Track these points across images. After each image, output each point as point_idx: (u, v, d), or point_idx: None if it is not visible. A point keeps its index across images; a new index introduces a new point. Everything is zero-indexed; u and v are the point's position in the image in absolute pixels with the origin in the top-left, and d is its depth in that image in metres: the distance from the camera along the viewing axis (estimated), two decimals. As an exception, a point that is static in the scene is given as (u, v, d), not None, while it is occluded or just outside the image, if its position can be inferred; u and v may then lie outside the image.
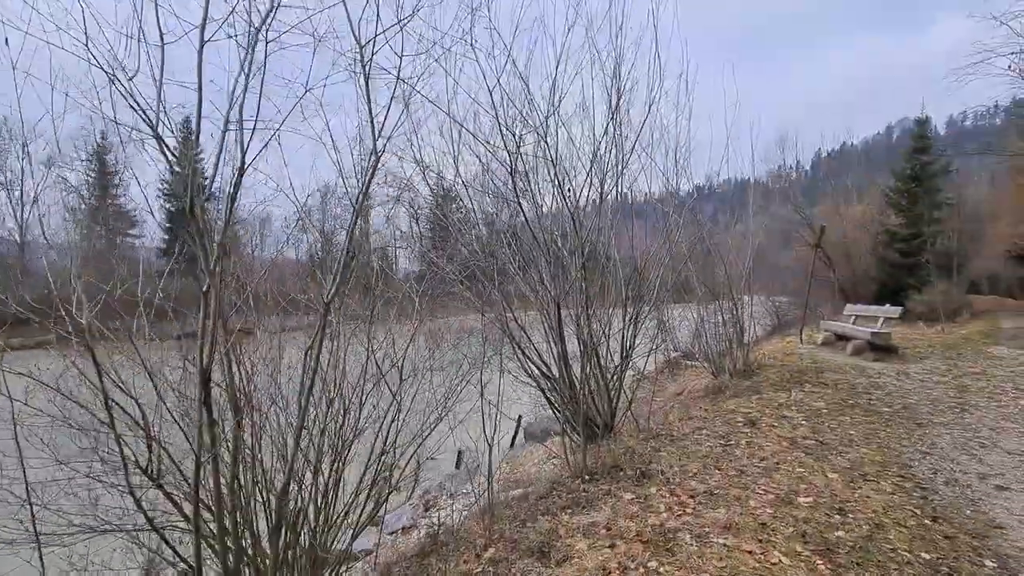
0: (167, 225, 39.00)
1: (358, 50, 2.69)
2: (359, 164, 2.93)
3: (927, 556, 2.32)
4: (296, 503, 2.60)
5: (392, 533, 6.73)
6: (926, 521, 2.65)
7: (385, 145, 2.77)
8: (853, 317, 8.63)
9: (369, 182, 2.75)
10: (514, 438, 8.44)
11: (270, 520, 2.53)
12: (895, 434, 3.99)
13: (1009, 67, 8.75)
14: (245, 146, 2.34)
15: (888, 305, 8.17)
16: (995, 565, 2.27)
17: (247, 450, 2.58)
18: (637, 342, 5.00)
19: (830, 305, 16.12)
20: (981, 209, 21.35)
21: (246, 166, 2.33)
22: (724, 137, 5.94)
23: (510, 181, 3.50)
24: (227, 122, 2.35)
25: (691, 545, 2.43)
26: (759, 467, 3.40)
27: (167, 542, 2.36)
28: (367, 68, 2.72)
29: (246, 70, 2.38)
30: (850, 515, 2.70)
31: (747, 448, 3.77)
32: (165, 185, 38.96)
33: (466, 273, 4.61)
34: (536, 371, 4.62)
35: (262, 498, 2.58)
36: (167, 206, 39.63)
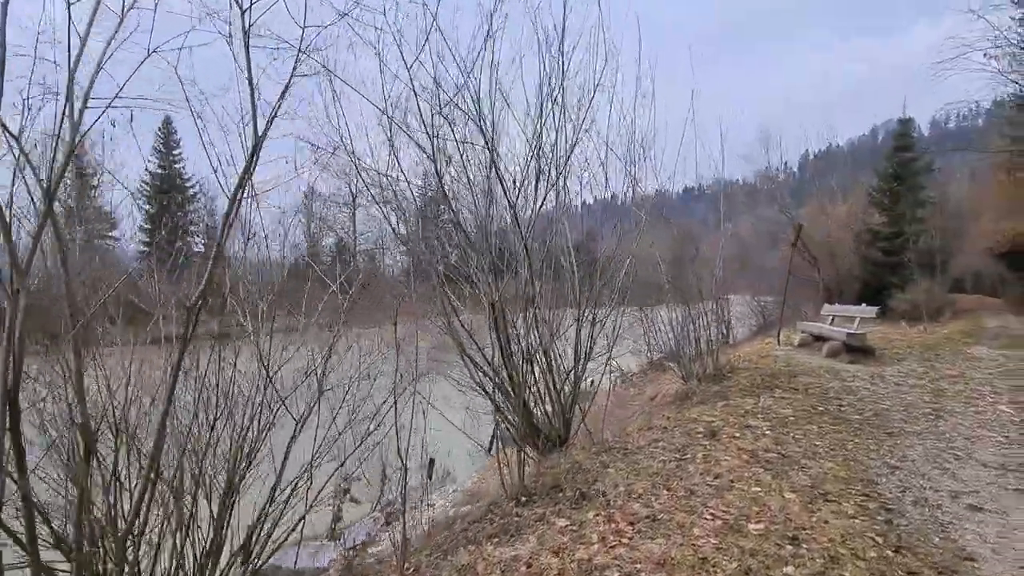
0: (147, 227, 38.13)
1: (239, 15, 2.33)
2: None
3: (885, 599, 1.99)
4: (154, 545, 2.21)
5: (351, 548, 6.32)
6: (888, 552, 2.32)
7: (269, 126, 2.40)
8: (831, 317, 8.37)
9: (250, 168, 2.38)
10: (491, 445, 8.09)
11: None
12: (863, 445, 3.68)
13: (985, 54, 8.58)
14: (77, 119, 1.97)
15: (865, 305, 7.92)
16: (962, 609, 1.94)
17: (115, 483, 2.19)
18: (602, 346, 4.67)
19: (813, 304, 15.95)
20: (963, 207, 21.38)
21: (77, 143, 1.95)
22: (692, 136, 5.64)
23: (435, 167, 3.13)
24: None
25: (613, 589, 2.08)
26: (712, 486, 3.06)
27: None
28: (247, 36, 2.36)
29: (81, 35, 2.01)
30: (804, 545, 2.36)
31: (702, 463, 3.43)
32: (144, 185, 38.27)
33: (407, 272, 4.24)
34: (480, 377, 4.26)
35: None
36: (145, 207, 38.76)
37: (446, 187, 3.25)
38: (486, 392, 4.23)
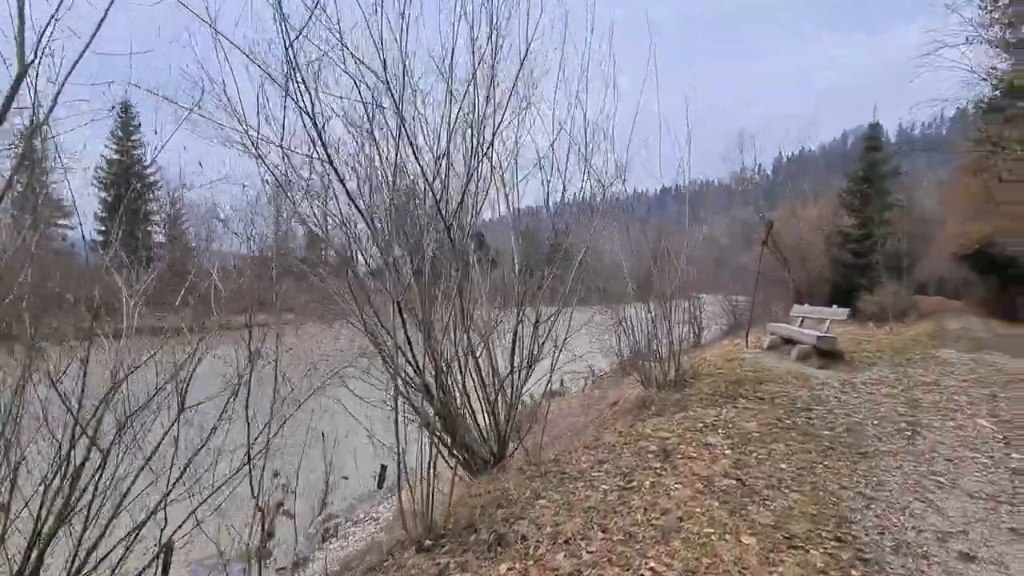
0: (103, 215, 35.96)
1: None
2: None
3: None
4: None
5: (280, 570, 5.61)
6: (867, 628, 1.79)
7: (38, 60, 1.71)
8: (800, 319, 8.01)
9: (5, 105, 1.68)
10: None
11: None
12: (835, 469, 3.18)
13: (966, 39, 8.36)
14: None
15: (836, 307, 7.57)
16: None
17: None
18: (555, 349, 4.07)
19: (784, 304, 15.84)
20: (929, 212, 21.78)
21: None
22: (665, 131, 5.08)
23: (315, 128, 2.45)
24: None
25: None
26: (656, 526, 2.49)
27: None
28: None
29: None
30: (761, 618, 1.81)
31: (649, 494, 2.87)
32: (100, 171, 36.07)
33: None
34: (404, 387, 3.60)
35: None
36: (102, 194, 36.57)
37: (337, 157, 2.58)
38: (414, 406, 3.58)
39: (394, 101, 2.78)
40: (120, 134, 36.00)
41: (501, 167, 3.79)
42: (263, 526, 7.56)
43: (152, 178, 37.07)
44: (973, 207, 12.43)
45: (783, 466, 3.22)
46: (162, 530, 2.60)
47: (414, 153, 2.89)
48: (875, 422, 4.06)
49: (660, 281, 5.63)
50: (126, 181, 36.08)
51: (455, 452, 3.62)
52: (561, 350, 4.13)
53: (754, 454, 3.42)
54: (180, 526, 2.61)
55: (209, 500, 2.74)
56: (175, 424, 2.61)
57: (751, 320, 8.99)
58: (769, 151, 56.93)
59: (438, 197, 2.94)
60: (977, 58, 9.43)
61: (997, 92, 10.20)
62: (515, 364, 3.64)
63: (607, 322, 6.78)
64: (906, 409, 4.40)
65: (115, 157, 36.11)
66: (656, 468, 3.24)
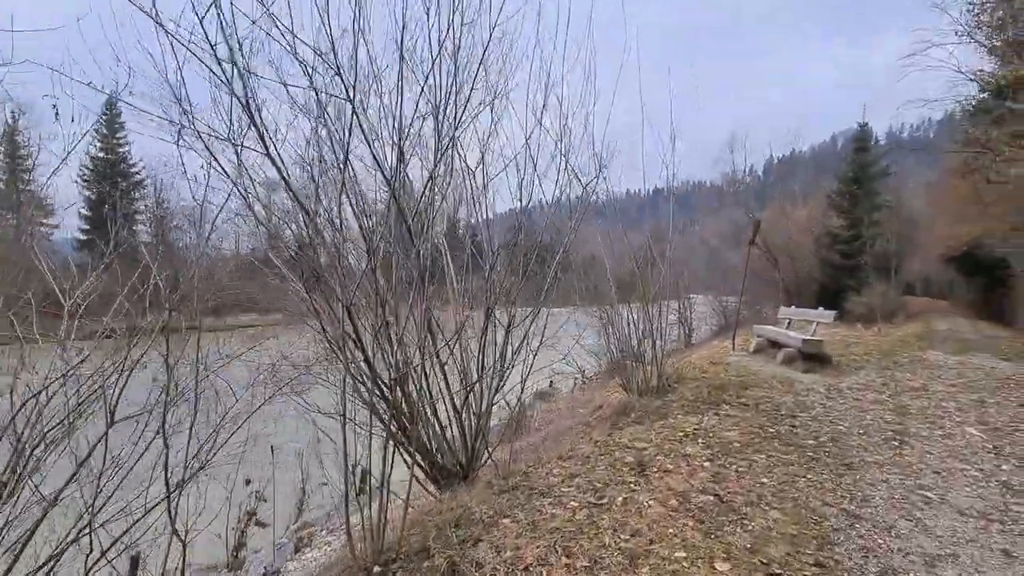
0: (87, 213, 35.15)
1: None
2: None
3: None
4: None
5: None
6: (848, 675, 1.60)
7: None
8: (787, 321, 7.88)
9: None
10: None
11: None
12: (817, 482, 3.00)
13: (956, 32, 8.28)
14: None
15: (823, 309, 7.45)
16: None
17: None
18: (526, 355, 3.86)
19: (774, 305, 15.79)
20: (916, 214, 21.91)
21: None
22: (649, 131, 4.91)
23: (246, 108, 2.21)
24: None
25: None
26: (624, 550, 2.29)
27: None
28: None
29: None
30: (731, 663, 1.61)
31: (620, 512, 2.68)
32: (85, 169, 35.23)
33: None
34: (368, 396, 3.37)
35: None
36: (87, 192, 35.75)
37: (274, 144, 2.35)
38: (381, 419, 3.34)
39: (344, 87, 2.55)
40: (105, 131, 35.27)
41: (470, 165, 3.58)
42: (238, 535, 7.20)
43: (138, 176, 36.37)
44: (961, 209, 12.41)
45: (764, 480, 3.03)
46: (87, 556, 2.35)
47: (366, 139, 2.66)
48: (861, 431, 3.89)
49: (643, 283, 5.45)
50: (111, 179, 35.33)
51: (420, 464, 3.41)
52: (536, 355, 3.93)
53: (734, 466, 3.24)
54: (103, 554, 2.36)
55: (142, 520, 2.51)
56: (102, 440, 2.37)
57: (737, 322, 8.84)
58: (760, 151, 57.25)
59: (393, 186, 2.71)
60: (964, 58, 9.38)
61: (984, 94, 10.18)
62: (483, 370, 3.42)
63: (595, 323, 6.60)
64: (893, 416, 4.25)
65: (100, 155, 35.36)
66: (630, 483, 3.04)
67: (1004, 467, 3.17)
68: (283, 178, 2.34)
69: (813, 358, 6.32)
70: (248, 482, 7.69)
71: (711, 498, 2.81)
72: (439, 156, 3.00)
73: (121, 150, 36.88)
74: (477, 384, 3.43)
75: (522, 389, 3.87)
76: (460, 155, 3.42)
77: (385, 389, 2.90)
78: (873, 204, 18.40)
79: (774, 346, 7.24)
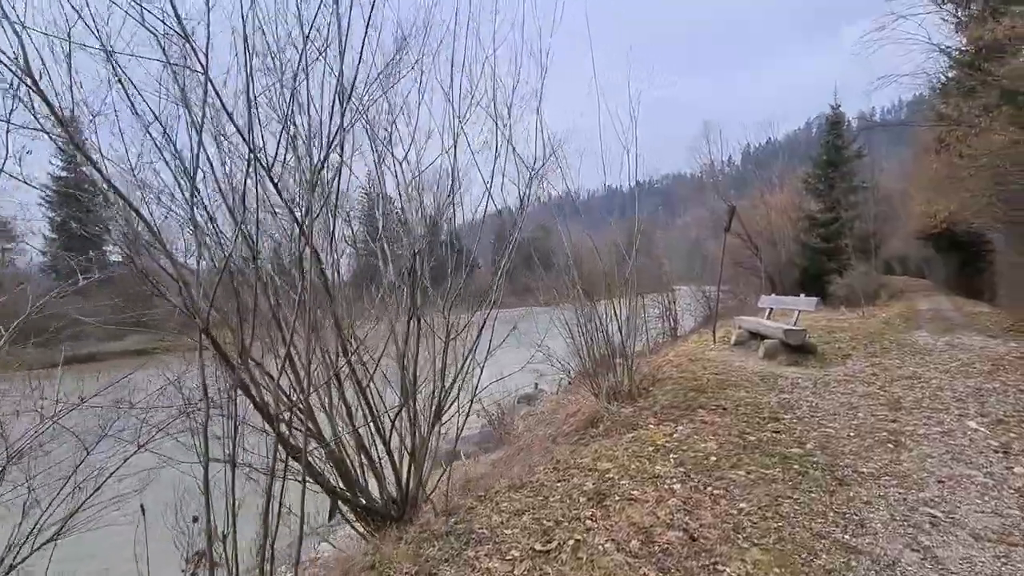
0: (52, 236, 33.79)
1: None
2: None
3: None
4: None
5: None
6: None
7: None
8: (768, 310, 7.49)
9: None
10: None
11: None
12: (805, 504, 2.54)
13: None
14: None
15: (804, 295, 7.06)
16: None
17: None
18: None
19: (757, 293, 15.50)
20: (893, 193, 21.95)
21: None
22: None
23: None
24: None
25: None
26: (566, 622, 1.79)
27: None
28: None
29: None
30: None
31: (571, 560, 2.18)
32: (47, 191, 33.85)
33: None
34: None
35: None
36: (50, 214, 34.36)
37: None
38: (289, 450, 2.80)
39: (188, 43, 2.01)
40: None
41: (396, 156, 3.05)
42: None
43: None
44: (936, 186, 12.24)
45: (743, 504, 2.56)
46: None
47: (222, 104, 2.11)
48: (852, 433, 3.45)
49: (609, 279, 4.98)
50: (75, 199, 33.96)
51: (338, 508, 2.88)
52: (483, 368, 3.40)
53: (709, 488, 2.76)
54: None
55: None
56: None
57: (716, 314, 8.44)
58: (737, 139, 57.60)
59: (268, 166, 2.17)
60: (933, 34, 9.12)
61: (953, 70, 9.97)
62: (408, 395, 2.88)
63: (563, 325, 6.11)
64: (886, 412, 3.83)
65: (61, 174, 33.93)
66: (586, 519, 2.55)
67: (1016, 470, 2.75)
68: (90, 161, 1.78)
69: (797, 349, 5.91)
70: (195, 519, 7.07)
71: (680, 535, 2.32)
72: (331, 140, 2.46)
73: (84, 169, 35.68)
74: (403, 410, 2.90)
75: (470, 407, 3.34)
76: (368, 129, 2.89)
77: (284, 419, 2.36)
78: (850, 186, 18.33)
79: (756, 337, 6.83)
